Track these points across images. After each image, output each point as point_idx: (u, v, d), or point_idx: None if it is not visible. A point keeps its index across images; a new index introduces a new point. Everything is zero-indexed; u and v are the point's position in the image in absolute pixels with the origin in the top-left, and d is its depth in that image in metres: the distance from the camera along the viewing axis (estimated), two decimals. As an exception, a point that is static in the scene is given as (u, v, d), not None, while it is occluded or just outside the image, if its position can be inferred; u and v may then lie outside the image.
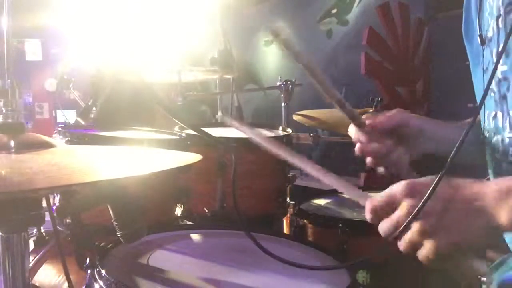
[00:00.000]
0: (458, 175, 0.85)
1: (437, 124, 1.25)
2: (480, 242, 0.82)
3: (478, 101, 1.17)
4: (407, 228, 0.82)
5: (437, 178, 0.80)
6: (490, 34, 1.09)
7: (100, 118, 2.32)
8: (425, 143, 1.23)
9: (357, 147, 1.24)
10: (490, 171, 1.16)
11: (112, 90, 2.37)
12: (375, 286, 1.35)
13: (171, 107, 2.18)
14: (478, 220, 0.80)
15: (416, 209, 0.80)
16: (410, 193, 0.83)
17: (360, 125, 1.21)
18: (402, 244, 0.84)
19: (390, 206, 0.85)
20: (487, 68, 1.12)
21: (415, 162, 1.24)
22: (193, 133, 1.61)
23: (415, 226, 0.82)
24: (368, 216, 0.88)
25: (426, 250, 0.81)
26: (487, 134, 1.14)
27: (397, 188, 0.85)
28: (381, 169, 1.25)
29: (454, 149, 0.82)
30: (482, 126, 1.17)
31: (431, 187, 0.80)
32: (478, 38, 1.13)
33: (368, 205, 0.88)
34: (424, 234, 0.81)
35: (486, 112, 1.13)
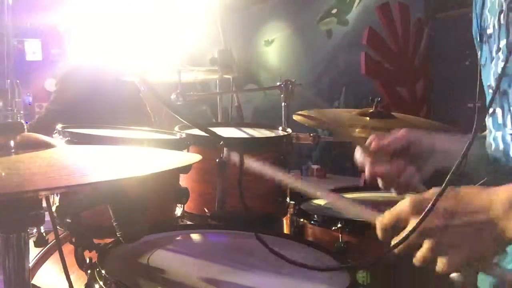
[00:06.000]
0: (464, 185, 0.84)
1: (449, 138, 1.22)
2: (491, 253, 0.81)
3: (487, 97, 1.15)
4: (416, 245, 0.82)
5: (439, 192, 0.79)
6: (490, 31, 1.07)
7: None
8: (438, 159, 1.20)
9: (366, 171, 1.21)
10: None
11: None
12: (375, 286, 1.34)
13: (176, 106, 2.18)
14: (486, 233, 0.79)
15: (415, 224, 0.80)
16: (416, 210, 0.82)
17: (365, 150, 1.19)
18: (416, 261, 0.84)
19: (399, 224, 0.85)
20: (484, 64, 1.11)
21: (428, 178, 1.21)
22: (193, 133, 1.61)
23: (426, 243, 0.81)
24: (379, 234, 0.88)
25: (439, 266, 0.81)
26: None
27: (403, 206, 0.85)
28: (392, 191, 1.24)
29: (456, 163, 0.80)
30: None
31: (431, 202, 0.79)
32: (478, 35, 1.13)
33: (378, 225, 0.87)
34: (433, 251, 0.81)
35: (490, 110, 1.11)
